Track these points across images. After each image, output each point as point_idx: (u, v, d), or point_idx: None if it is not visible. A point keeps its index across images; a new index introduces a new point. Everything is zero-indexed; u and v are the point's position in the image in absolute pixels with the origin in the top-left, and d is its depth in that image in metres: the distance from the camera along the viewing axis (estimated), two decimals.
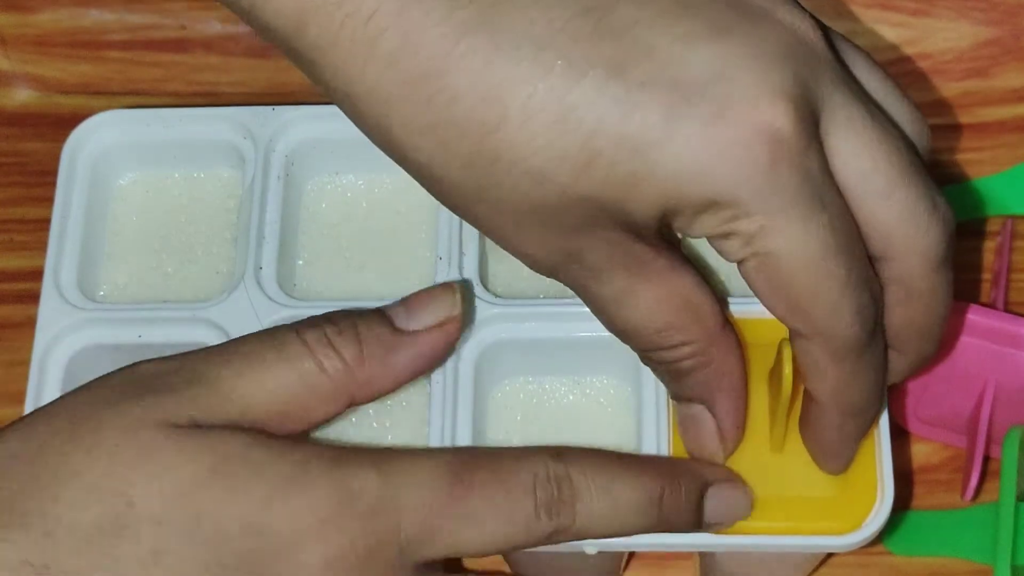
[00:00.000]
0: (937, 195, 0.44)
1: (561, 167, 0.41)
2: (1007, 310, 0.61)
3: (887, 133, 0.43)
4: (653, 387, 0.52)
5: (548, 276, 0.45)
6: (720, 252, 0.44)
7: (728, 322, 0.47)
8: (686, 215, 0.42)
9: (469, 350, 0.53)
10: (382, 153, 0.56)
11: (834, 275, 0.43)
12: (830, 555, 0.58)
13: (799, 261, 0.42)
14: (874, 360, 0.45)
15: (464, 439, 0.52)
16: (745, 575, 0.56)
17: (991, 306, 0.60)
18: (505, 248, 0.45)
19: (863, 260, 0.44)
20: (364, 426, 0.54)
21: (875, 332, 0.45)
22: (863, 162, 0.42)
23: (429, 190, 0.44)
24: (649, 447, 0.51)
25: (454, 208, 0.44)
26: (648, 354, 0.46)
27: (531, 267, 0.45)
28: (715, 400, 0.48)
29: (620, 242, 0.43)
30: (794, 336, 0.45)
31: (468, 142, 0.41)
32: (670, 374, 0.47)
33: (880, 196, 0.43)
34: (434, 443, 0.51)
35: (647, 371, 0.52)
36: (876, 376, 0.46)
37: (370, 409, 0.54)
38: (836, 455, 0.49)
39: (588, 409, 0.54)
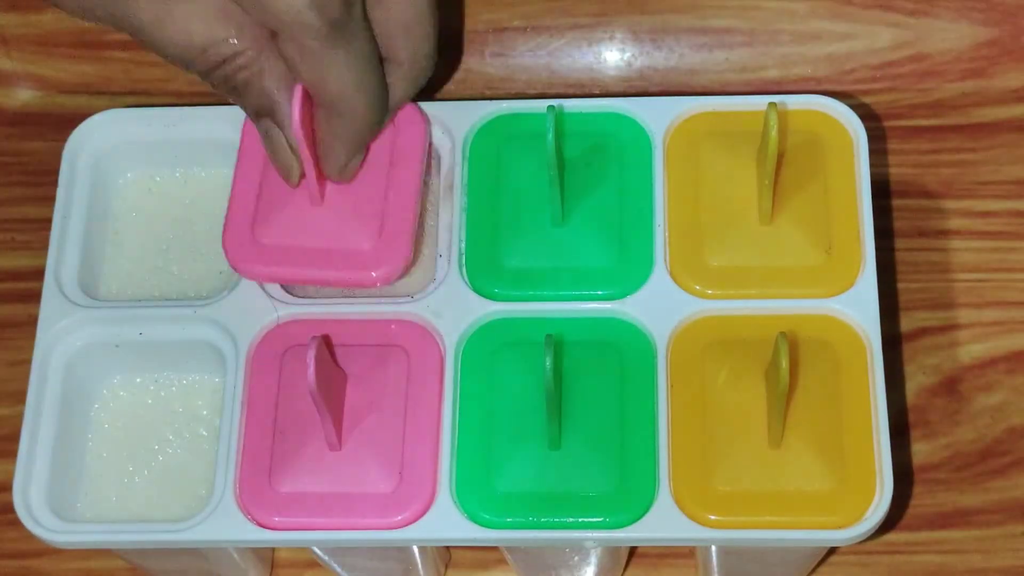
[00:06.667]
0: None
1: None
2: None
3: None
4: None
5: (87, 19, 0.48)
6: None
7: (274, 34, 0.48)
8: None
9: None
10: None
11: None
12: (831, 552, 0.59)
13: None
14: (348, 57, 0.47)
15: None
16: (745, 571, 0.56)
17: None
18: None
19: None
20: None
21: (342, 25, 0.47)
22: None
23: None
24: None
25: None
26: (209, 76, 0.48)
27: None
28: (276, 109, 0.49)
29: None
30: (278, 41, 0.47)
31: None
32: (232, 92, 0.49)
33: None
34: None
35: None
36: (352, 73, 0.48)
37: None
38: (325, 154, 0.51)
39: None
